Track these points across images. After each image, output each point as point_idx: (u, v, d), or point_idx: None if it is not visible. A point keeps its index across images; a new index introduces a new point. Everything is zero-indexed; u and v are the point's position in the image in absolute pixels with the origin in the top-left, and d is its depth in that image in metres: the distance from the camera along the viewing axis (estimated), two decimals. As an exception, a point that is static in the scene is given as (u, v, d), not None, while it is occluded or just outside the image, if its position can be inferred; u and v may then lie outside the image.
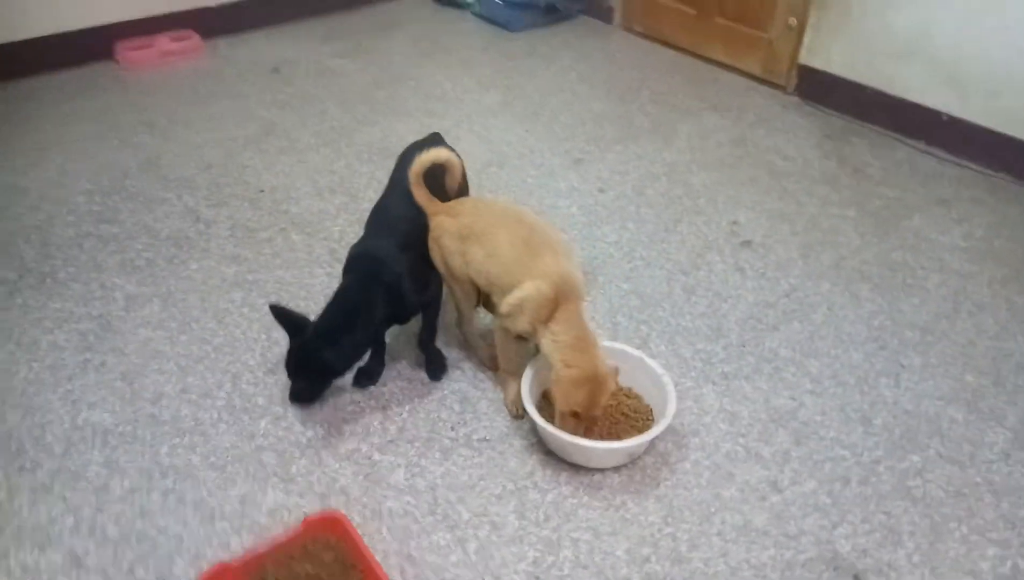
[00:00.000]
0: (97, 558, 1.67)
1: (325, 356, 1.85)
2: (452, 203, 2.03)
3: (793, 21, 3.56)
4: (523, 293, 1.78)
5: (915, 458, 1.91)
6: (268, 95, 3.57)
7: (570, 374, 1.76)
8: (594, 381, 1.76)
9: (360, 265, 1.94)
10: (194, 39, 3.98)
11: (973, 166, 3.08)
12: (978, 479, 1.86)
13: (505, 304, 1.84)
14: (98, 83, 3.66)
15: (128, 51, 3.83)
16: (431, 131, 2.29)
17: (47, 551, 1.68)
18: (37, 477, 1.84)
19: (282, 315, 1.90)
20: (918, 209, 2.84)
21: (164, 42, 3.91)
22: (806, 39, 3.54)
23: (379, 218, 2.05)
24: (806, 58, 3.57)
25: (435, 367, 2.12)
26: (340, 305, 1.89)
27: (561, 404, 1.78)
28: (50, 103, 3.46)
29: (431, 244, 2.00)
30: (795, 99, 3.61)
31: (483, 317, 2.21)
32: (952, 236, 2.70)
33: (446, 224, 1.97)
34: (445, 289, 2.11)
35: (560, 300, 1.78)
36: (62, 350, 2.18)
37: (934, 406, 2.05)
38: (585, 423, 1.80)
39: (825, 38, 3.47)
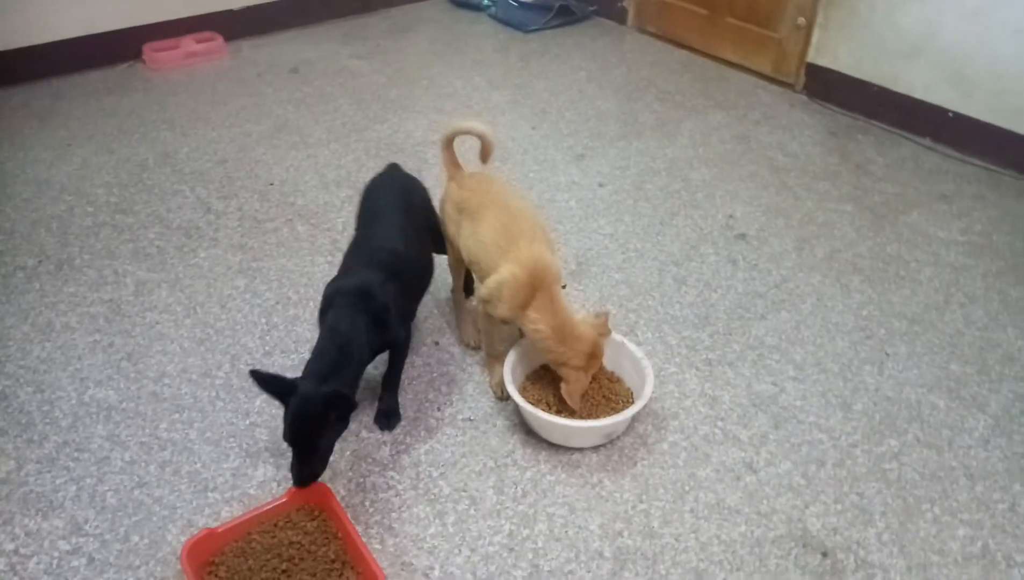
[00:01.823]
0: (96, 525, 1.76)
1: (343, 392, 1.64)
2: (466, 175, 2.12)
3: (802, 20, 3.57)
4: (499, 277, 1.85)
5: (893, 442, 1.93)
6: (285, 94, 3.69)
7: (571, 373, 1.86)
8: (591, 357, 1.86)
9: (344, 299, 1.81)
10: (218, 41, 4.12)
11: (977, 162, 3.07)
12: (954, 463, 1.87)
13: (484, 288, 1.90)
14: (125, 83, 3.81)
15: (154, 52, 3.98)
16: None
17: (50, 517, 1.78)
18: (44, 449, 1.94)
19: (266, 379, 1.66)
20: (918, 205, 2.84)
21: (189, 44, 4.05)
22: (814, 38, 3.56)
23: (359, 252, 1.98)
24: (814, 57, 3.59)
25: (389, 415, 2.00)
26: (332, 341, 1.74)
27: (577, 388, 1.86)
28: (79, 101, 3.61)
29: (440, 204, 2.13)
30: (803, 97, 3.63)
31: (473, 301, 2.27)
32: (950, 231, 2.70)
33: (452, 192, 2.08)
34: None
35: (536, 285, 1.83)
36: (73, 331, 2.29)
37: (916, 393, 2.06)
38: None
39: (832, 37, 3.49)
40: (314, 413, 1.62)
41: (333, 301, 1.82)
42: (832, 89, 3.54)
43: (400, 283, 1.90)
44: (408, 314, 2.00)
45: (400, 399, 2.05)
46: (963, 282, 2.45)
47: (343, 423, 1.71)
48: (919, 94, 3.24)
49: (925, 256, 2.57)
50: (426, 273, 2.09)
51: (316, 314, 1.90)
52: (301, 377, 1.68)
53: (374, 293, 1.82)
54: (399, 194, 2.10)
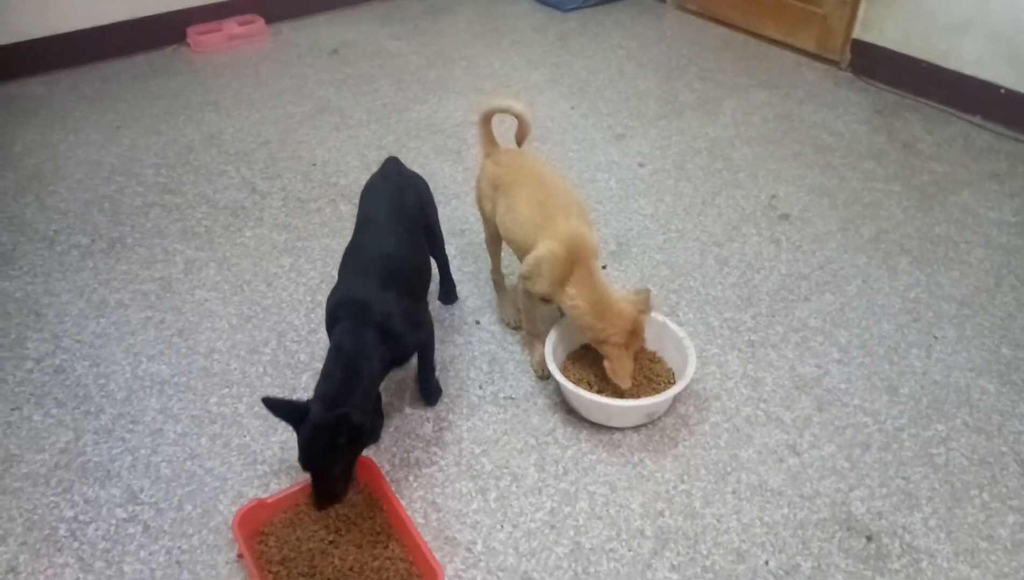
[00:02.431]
0: (151, 494, 1.82)
1: (351, 417, 1.58)
2: (502, 151, 2.11)
3: (848, -5, 3.49)
4: (538, 253, 1.85)
5: (940, 427, 1.90)
6: (326, 75, 3.72)
7: (612, 351, 1.85)
8: (631, 334, 1.85)
9: (346, 313, 1.75)
10: (259, 23, 4.17)
11: (1031, 141, 2.99)
12: (1004, 449, 1.84)
13: (524, 264, 1.91)
14: (170, 66, 3.87)
15: (198, 35, 4.04)
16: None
17: (107, 486, 1.84)
18: (100, 420, 2.01)
19: (277, 406, 1.64)
20: (968, 184, 2.78)
21: (231, 26, 4.10)
22: (860, 13, 3.48)
23: (354, 260, 1.90)
24: (860, 33, 3.51)
25: (430, 392, 2.03)
26: (338, 361, 1.68)
27: (620, 366, 1.85)
28: (127, 85, 3.68)
29: (476, 182, 2.13)
30: (848, 75, 3.55)
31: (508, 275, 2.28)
32: (1002, 211, 2.63)
33: (487, 168, 2.09)
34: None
35: (574, 260, 1.83)
36: (126, 308, 2.35)
37: (965, 377, 2.03)
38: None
39: (880, 12, 3.40)
40: (323, 440, 1.59)
41: (336, 315, 1.77)
42: (879, 66, 3.46)
43: (401, 286, 1.83)
44: (419, 317, 1.91)
45: (441, 377, 2.08)
46: (1015, 264, 2.39)
47: (358, 443, 1.65)
48: (970, 70, 3.15)
49: (975, 237, 2.51)
50: (423, 275, 2.00)
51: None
52: (311, 400, 1.65)
53: (373, 304, 1.75)
54: (392, 195, 2.00)
